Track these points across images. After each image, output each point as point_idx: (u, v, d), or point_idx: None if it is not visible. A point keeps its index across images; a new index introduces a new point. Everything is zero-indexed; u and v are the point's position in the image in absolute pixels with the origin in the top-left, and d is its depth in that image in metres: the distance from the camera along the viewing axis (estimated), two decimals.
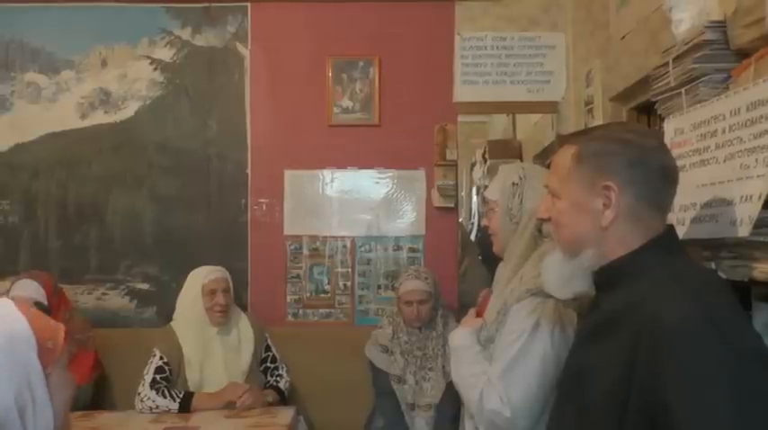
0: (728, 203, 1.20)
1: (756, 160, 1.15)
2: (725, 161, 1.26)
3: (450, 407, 2.45)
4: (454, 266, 3.21)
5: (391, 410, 2.69)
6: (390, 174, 3.21)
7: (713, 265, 1.25)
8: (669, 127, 1.51)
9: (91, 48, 3.23)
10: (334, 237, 3.21)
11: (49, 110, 3.23)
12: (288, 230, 3.21)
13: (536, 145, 3.87)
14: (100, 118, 3.23)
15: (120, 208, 3.21)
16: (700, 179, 1.33)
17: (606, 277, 1.12)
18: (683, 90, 1.47)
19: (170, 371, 2.61)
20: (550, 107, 3.21)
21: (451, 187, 3.15)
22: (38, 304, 2.53)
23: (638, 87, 2.28)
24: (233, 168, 3.21)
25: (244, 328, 2.77)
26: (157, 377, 2.58)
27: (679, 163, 1.40)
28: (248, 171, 3.21)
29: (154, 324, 3.09)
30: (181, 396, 2.53)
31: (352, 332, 3.06)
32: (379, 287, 3.20)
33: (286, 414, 2.49)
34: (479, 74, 3.17)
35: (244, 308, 2.99)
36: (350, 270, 3.21)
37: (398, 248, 3.21)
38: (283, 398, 2.75)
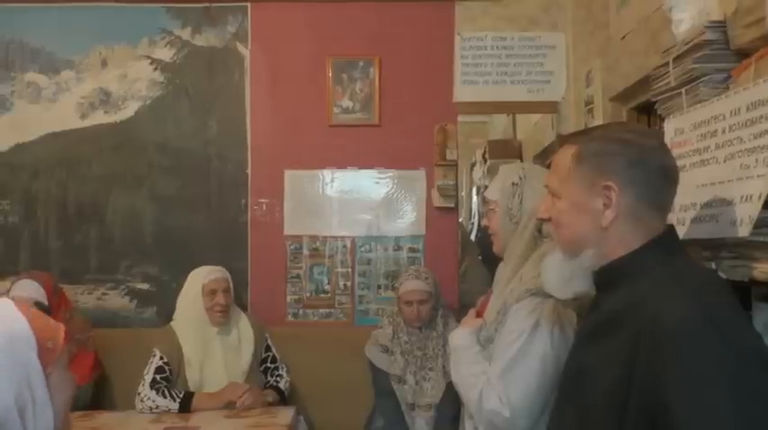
0: (729, 203, 1.20)
1: (756, 160, 1.15)
2: (725, 161, 1.26)
3: (451, 408, 2.45)
4: (454, 266, 3.21)
5: (391, 410, 2.69)
6: (390, 174, 3.21)
7: (713, 265, 1.25)
8: (669, 127, 1.51)
9: (91, 48, 3.23)
10: (334, 237, 3.21)
11: (49, 110, 3.23)
12: (288, 230, 3.21)
13: (536, 145, 3.87)
14: (100, 118, 3.23)
15: (121, 208, 3.21)
16: (700, 179, 1.33)
17: (606, 277, 1.12)
18: (683, 90, 1.47)
19: (170, 371, 2.61)
20: (550, 107, 3.21)
21: (451, 187, 3.15)
22: (38, 304, 2.53)
23: (638, 87, 2.28)
24: (233, 168, 3.21)
25: (244, 328, 2.77)
26: (157, 377, 2.58)
27: (679, 163, 1.40)
28: (248, 171, 3.21)
29: (154, 324, 3.09)
30: (181, 396, 2.53)
31: (352, 332, 3.06)
32: (379, 287, 3.20)
33: (286, 414, 2.49)
34: (479, 74, 3.17)
35: (244, 308, 2.99)
36: (350, 270, 3.21)
37: (398, 248, 3.21)
38: (283, 399, 2.75)
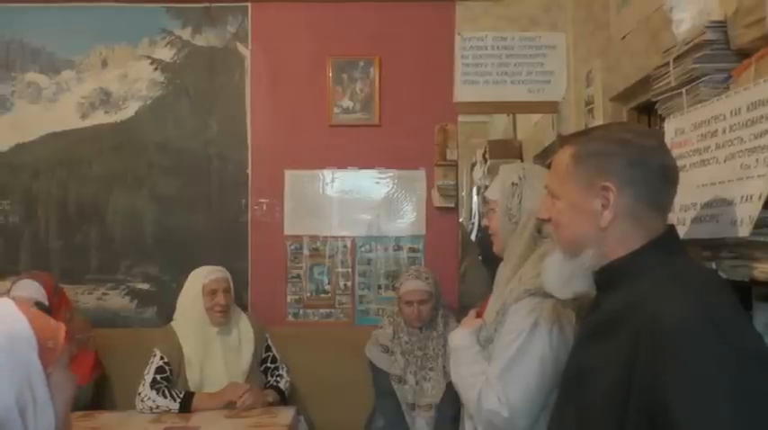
0: (729, 203, 1.20)
1: (757, 160, 1.15)
2: (725, 161, 1.26)
3: (451, 408, 2.45)
4: (455, 266, 3.21)
5: (392, 410, 2.69)
6: (391, 174, 3.21)
7: (714, 265, 1.25)
8: (670, 127, 1.51)
9: (91, 48, 3.24)
10: (334, 237, 3.21)
11: (50, 110, 3.23)
12: (288, 230, 3.21)
13: (536, 145, 3.87)
14: (100, 118, 3.23)
15: (121, 208, 3.21)
16: (700, 179, 1.33)
17: (606, 277, 1.12)
18: (683, 90, 1.47)
19: (170, 371, 2.61)
20: (551, 107, 3.21)
21: (452, 187, 3.15)
22: (38, 304, 2.53)
23: (638, 87, 2.28)
24: (233, 168, 3.21)
25: (244, 328, 2.77)
26: (158, 377, 2.58)
27: (679, 163, 1.40)
28: (249, 171, 3.21)
29: (154, 324, 3.09)
30: (181, 396, 2.53)
31: (352, 332, 3.06)
32: (379, 287, 3.20)
33: (286, 414, 2.49)
34: (480, 74, 3.17)
35: (244, 308, 2.99)
36: (350, 270, 3.21)
37: (399, 248, 3.21)
38: (284, 398, 2.75)
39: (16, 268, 3.12)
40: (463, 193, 5.44)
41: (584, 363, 1.10)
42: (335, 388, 2.99)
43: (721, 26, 1.36)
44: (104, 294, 3.20)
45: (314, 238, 3.21)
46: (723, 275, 1.21)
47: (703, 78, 1.39)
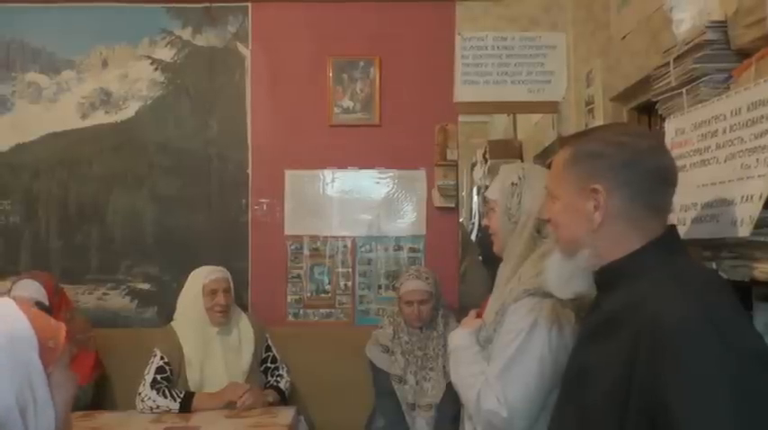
0: (729, 203, 1.20)
1: (757, 160, 1.15)
2: (726, 161, 1.26)
3: (451, 408, 2.45)
4: (455, 266, 3.21)
5: (392, 410, 2.69)
6: (391, 174, 3.21)
7: (714, 265, 1.25)
8: (670, 127, 1.51)
9: (91, 48, 3.24)
10: (334, 237, 3.21)
11: (50, 110, 3.23)
12: (288, 230, 3.21)
13: (537, 145, 3.87)
14: (100, 118, 3.23)
15: (121, 208, 3.21)
16: (700, 179, 1.33)
17: (606, 277, 1.13)
18: (683, 90, 1.47)
19: (171, 371, 2.61)
20: (551, 107, 3.21)
21: (452, 187, 3.15)
22: (39, 304, 2.53)
23: (638, 87, 2.28)
24: (233, 168, 3.21)
25: (244, 328, 2.77)
26: (158, 377, 2.58)
27: (680, 163, 1.40)
28: (249, 171, 3.21)
29: (154, 324, 3.09)
30: (181, 396, 2.53)
31: (352, 332, 3.06)
32: (379, 287, 3.20)
33: (286, 414, 2.49)
34: (480, 74, 3.18)
35: (244, 308, 2.99)
36: (350, 270, 3.21)
37: (399, 248, 3.21)
38: (284, 399, 2.75)
39: (17, 268, 3.12)
40: (463, 193, 5.44)
41: (585, 363, 1.11)
42: (336, 388, 2.99)
43: (722, 26, 1.36)
44: (105, 294, 3.20)
45: (314, 238, 3.21)
46: (723, 275, 1.21)
47: (704, 78, 1.39)
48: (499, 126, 5.35)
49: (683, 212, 1.36)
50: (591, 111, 2.77)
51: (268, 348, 2.84)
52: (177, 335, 2.67)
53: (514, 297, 1.53)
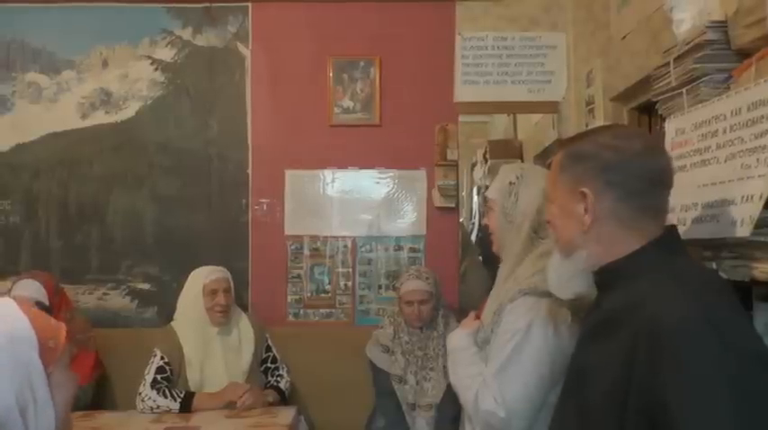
0: (729, 203, 1.20)
1: (757, 160, 1.15)
2: (726, 161, 1.26)
3: (451, 408, 2.45)
4: (455, 266, 3.21)
5: (392, 410, 2.69)
6: (391, 174, 3.21)
7: (714, 265, 1.25)
8: (670, 127, 1.51)
9: (92, 48, 3.24)
10: (334, 237, 3.21)
11: (50, 110, 3.23)
12: (288, 230, 3.21)
13: (537, 145, 3.87)
14: (101, 118, 3.23)
15: (121, 208, 3.21)
16: (701, 179, 1.33)
17: (606, 278, 1.13)
18: (684, 90, 1.47)
19: (171, 371, 2.61)
20: (551, 107, 3.21)
21: (452, 187, 3.15)
22: (39, 304, 2.53)
23: (638, 87, 2.28)
24: (234, 168, 3.21)
25: (244, 328, 2.77)
26: (158, 377, 2.58)
27: (680, 163, 1.40)
28: (249, 171, 3.21)
29: (154, 324, 3.09)
30: (182, 396, 2.53)
31: (352, 332, 3.06)
32: (379, 287, 3.20)
33: (287, 414, 2.49)
34: (480, 74, 3.18)
35: (244, 308, 2.99)
36: (351, 270, 3.21)
37: (399, 248, 3.21)
38: (284, 399, 2.75)
39: (17, 268, 3.12)
40: (463, 193, 5.43)
41: (585, 363, 1.11)
42: (336, 388, 2.99)
43: (722, 26, 1.37)
44: (105, 294, 3.20)
45: (314, 238, 3.21)
46: (723, 275, 1.21)
47: (704, 78, 1.39)
48: (499, 126, 5.35)
49: (684, 212, 1.36)
50: (591, 111, 2.77)
51: (268, 348, 2.84)
52: (177, 335, 2.67)
53: (510, 297, 1.54)
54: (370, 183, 3.21)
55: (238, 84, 3.22)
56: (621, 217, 1.09)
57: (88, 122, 3.23)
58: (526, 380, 1.45)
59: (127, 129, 3.23)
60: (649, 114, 2.41)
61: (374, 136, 3.19)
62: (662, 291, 0.99)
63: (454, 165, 3.16)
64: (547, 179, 1.26)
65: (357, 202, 3.21)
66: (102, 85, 3.23)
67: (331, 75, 3.18)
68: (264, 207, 3.21)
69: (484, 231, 3.28)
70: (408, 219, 3.21)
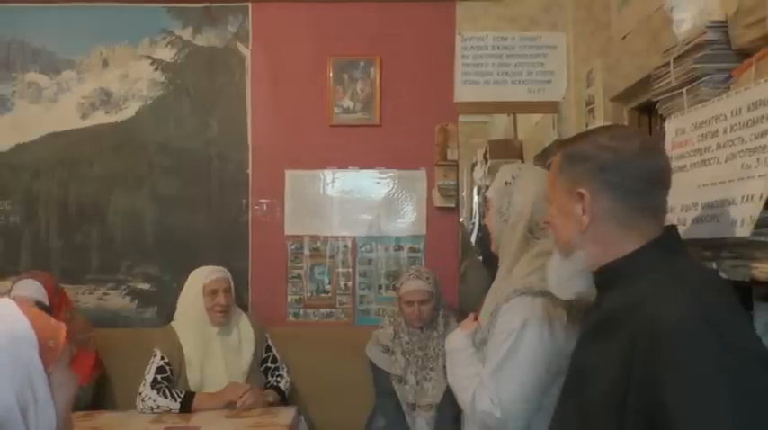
0: (730, 203, 1.20)
1: (757, 160, 1.15)
2: (726, 161, 1.26)
3: (452, 408, 2.44)
4: (455, 266, 3.21)
5: (392, 410, 2.69)
6: (391, 174, 3.21)
7: (714, 265, 1.25)
8: (670, 127, 1.51)
9: (92, 48, 3.24)
10: (334, 237, 3.21)
11: (50, 110, 3.23)
12: (289, 230, 3.21)
13: (537, 145, 3.87)
14: (101, 118, 3.23)
15: (121, 208, 3.21)
16: (701, 179, 1.33)
17: (605, 278, 1.13)
18: (684, 90, 1.47)
19: (171, 370, 2.61)
20: (551, 107, 3.21)
21: (452, 187, 3.15)
22: (39, 304, 2.53)
23: (639, 87, 2.28)
24: (234, 168, 3.21)
25: (244, 328, 2.77)
26: (158, 377, 2.58)
27: (680, 163, 1.40)
28: (249, 171, 3.21)
29: (155, 324, 3.09)
30: (182, 396, 2.53)
31: (352, 332, 3.06)
32: (380, 287, 3.20)
33: (287, 414, 2.49)
34: (480, 74, 3.18)
35: (244, 308, 2.99)
36: (351, 270, 3.21)
37: (399, 248, 3.21)
38: (284, 399, 2.75)
39: (17, 268, 3.12)
40: (463, 193, 5.42)
41: (585, 362, 1.11)
42: (336, 388, 2.99)
43: (722, 26, 1.37)
44: (105, 294, 3.20)
45: (314, 238, 3.21)
46: (723, 275, 1.21)
47: (704, 78, 1.39)
48: (499, 126, 5.34)
49: (684, 212, 1.36)
50: (591, 111, 2.77)
51: (268, 348, 2.84)
52: (177, 335, 2.67)
53: (506, 297, 1.54)
54: (370, 183, 3.21)
55: (238, 84, 3.22)
56: (620, 217, 1.10)
57: (88, 122, 3.23)
58: (522, 380, 1.45)
59: (127, 129, 3.23)
60: (649, 114, 2.41)
61: (374, 136, 3.19)
62: (661, 291, 0.99)
63: (454, 165, 3.16)
64: (546, 180, 1.26)
65: (357, 202, 3.21)
66: (102, 85, 3.23)
67: (331, 75, 3.18)
68: (264, 207, 3.21)
69: (484, 231, 3.29)
70: (408, 219, 3.21)
